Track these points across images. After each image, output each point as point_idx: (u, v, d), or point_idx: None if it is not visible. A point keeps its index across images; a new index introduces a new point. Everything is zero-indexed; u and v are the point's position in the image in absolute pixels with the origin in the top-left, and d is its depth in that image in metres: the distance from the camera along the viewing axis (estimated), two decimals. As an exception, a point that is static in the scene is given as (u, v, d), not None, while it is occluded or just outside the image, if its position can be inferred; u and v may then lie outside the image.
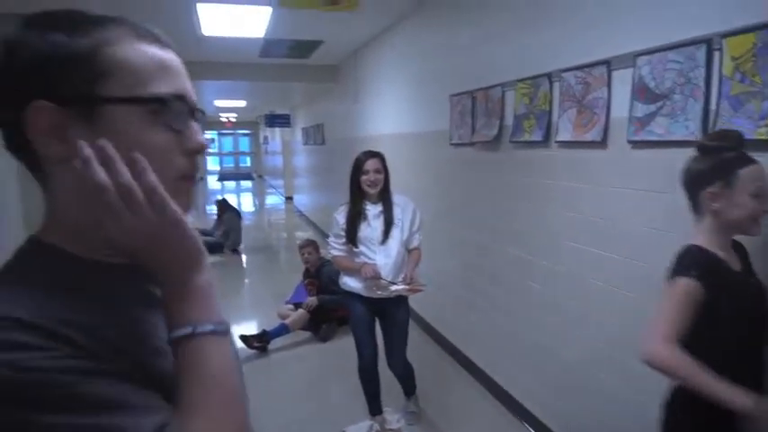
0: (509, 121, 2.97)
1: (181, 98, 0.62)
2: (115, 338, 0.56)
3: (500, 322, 3.23)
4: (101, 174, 0.54)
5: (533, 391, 2.94)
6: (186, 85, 0.64)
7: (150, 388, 0.56)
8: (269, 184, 20.40)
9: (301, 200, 12.52)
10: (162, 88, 0.60)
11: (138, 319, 0.63)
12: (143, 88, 0.59)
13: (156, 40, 0.63)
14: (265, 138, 20.34)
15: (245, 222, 11.14)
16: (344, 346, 4.08)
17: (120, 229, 0.56)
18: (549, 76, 2.57)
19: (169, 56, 0.63)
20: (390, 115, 5.17)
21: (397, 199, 2.83)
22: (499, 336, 3.26)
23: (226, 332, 0.62)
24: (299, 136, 12.07)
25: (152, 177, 0.56)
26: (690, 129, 1.79)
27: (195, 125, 0.64)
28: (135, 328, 0.61)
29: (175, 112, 0.61)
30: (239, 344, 4.06)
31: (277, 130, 15.62)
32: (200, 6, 4.26)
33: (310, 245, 4.72)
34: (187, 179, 0.64)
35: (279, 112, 13.37)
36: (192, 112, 0.64)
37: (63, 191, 0.60)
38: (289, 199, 14.59)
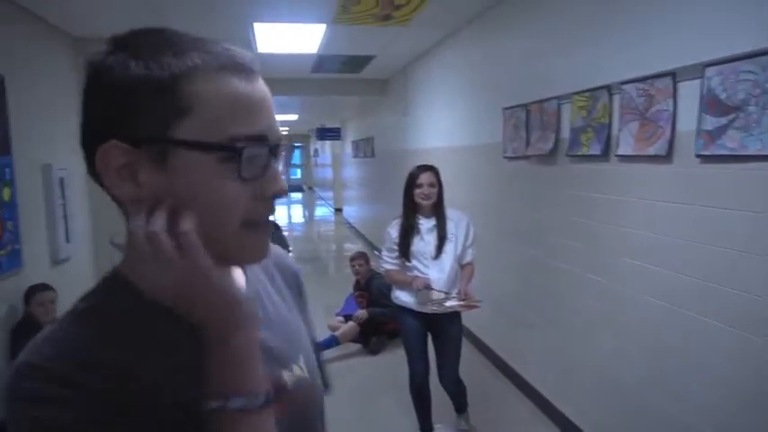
0: (565, 134, 2.90)
1: (261, 139, 0.56)
2: (162, 383, 0.55)
3: (553, 339, 3.13)
4: (137, 219, 0.53)
5: (587, 410, 2.82)
6: (269, 121, 0.58)
7: None
8: (318, 196, 20.73)
9: (350, 211, 12.64)
10: (241, 129, 0.54)
11: (189, 363, 0.57)
12: (219, 131, 0.53)
13: (241, 70, 0.56)
14: (315, 150, 20.73)
15: (295, 233, 11.36)
16: (394, 360, 4.06)
17: (147, 275, 0.55)
18: (608, 88, 2.49)
19: (252, 88, 0.56)
20: (441, 128, 5.16)
21: (451, 213, 2.81)
22: (552, 353, 3.16)
23: (260, 406, 0.55)
24: (348, 149, 12.22)
25: (186, 226, 0.52)
26: (766, 142, 1.69)
27: (275, 167, 0.58)
28: (188, 374, 0.57)
29: (249, 159, 0.54)
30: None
31: (327, 143, 15.89)
32: (256, 25, 4.41)
33: (361, 257, 4.74)
34: (257, 225, 0.58)
35: (329, 125, 13.60)
36: (275, 149, 0.58)
37: None
38: (338, 210, 14.77)
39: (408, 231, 2.74)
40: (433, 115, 5.41)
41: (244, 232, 0.57)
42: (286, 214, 16.19)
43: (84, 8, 3.82)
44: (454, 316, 2.81)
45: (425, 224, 2.75)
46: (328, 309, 5.26)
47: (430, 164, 2.83)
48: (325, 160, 18.35)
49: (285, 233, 8.78)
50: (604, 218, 2.60)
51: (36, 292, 3.34)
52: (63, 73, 4.33)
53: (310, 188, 24.30)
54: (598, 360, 2.70)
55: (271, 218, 0.60)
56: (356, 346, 4.41)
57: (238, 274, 0.69)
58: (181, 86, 0.52)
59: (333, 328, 4.44)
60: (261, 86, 0.58)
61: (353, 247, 9.24)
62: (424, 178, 2.73)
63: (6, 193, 3.23)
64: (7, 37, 3.44)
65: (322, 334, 4.42)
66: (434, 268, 2.72)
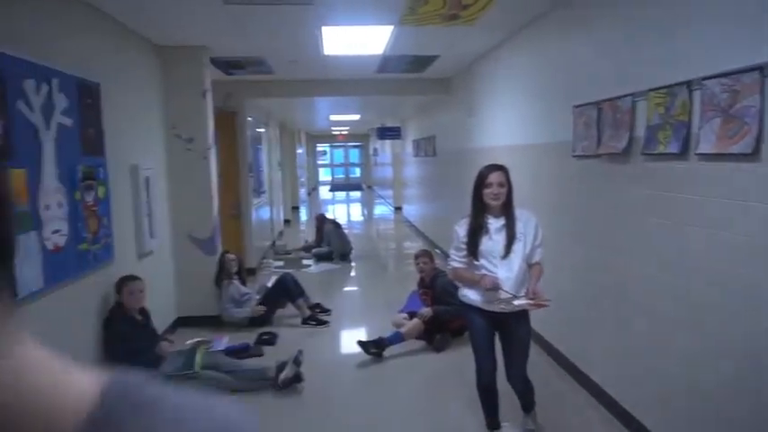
0: (640, 132, 2.83)
1: None
2: None
3: (625, 343, 3.06)
4: None
5: (660, 415, 2.74)
6: None
7: None
8: (377, 195, 20.93)
9: (410, 210, 12.70)
10: None
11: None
12: None
13: None
14: (375, 150, 20.94)
15: (355, 231, 11.55)
16: (459, 358, 4.09)
17: None
18: (688, 84, 2.42)
19: None
20: (506, 127, 5.12)
21: (519, 213, 2.80)
22: (624, 356, 3.09)
23: None
24: (409, 148, 12.29)
25: None
26: None
27: None
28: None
29: None
30: (357, 349, 4.23)
31: (387, 142, 16.02)
32: (324, 29, 4.54)
33: (426, 255, 4.78)
34: None
35: (389, 125, 13.71)
36: None
37: None
38: (398, 209, 14.87)
39: (477, 231, 2.75)
40: (498, 113, 5.37)
41: None
42: (345, 213, 16.48)
43: (168, 18, 4.08)
44: (521, 316, 2.81)
45: (494, 224, 2.75)
46: (388, 305, 5.36)
47: (500, 163, 2.83)
48: (384, 159, 18.51)
49: (345, 231, 8.96)
50: (682, 218, 2.52)
51: (127, 281, 3.61)
52: (148, 79, 4.64)
53: (369, 187, 24.58)
54: (674, 364, 2.62)
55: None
56: (420, 343, 4.46)
57: None
58: None
59: (397, 325, 4.52)
60: None
61: (413, 245, 9.29)
62: (494, 178, 2.72)
63: (101, 191, 3.51)
64: (103, 47, 3.73)
65: (381, 329, 4.52)
66: (503, 268, 2.72)
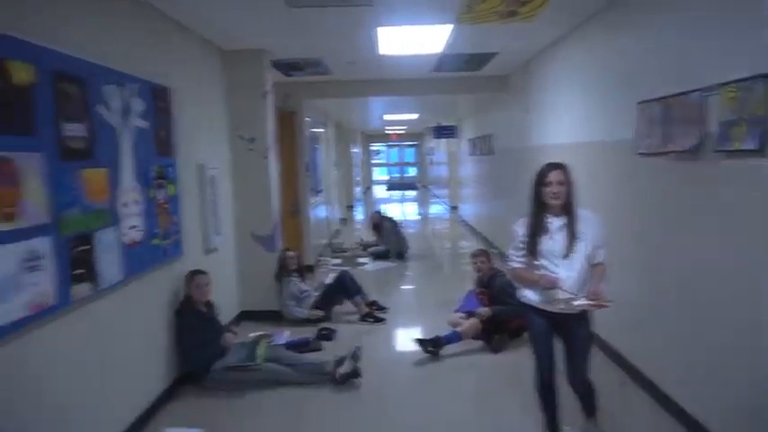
0: (712, 128, 2.70)
1: None
2: None
3: (692, 347, 2.93)
4: None
5: (728, 422, 2.61)
6: None
7: None
8: (433, 194, 20.87)
9: (466, 209, 12.60)
10: None
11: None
12: None
13: None
14: (430, 149, 20.90)
15: (410, 230, 11.57)
16: (517, 360, 4.04)
17: None
18: (765, 77, 2.29)
19: None
20: (564, 124, 5.00)
21: (580, 212, 2.74)
22: (691, 361, 2.96)
23: None
24: (464, 146, 12.20)
25: None
26: None
27: None
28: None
29: None
30: (414, 347, 4.26)
31: (442, 140, 15.96)
32: (379, 30, 4.59)
33: (483, 254, 4.75)
34: None
35: (445, 123, 13.66)
36: None
37: None
38: (453, 208, 14.78)
39: (537, 230, 2.71)
40: (556, 111, 5.25)
41: None
42: (401, 212, 16.53)
43: (233, 23, 4.25)
44: (582, 317, 2.74)
45: (555, 223, 2.70)
46: (443, 304, 5.34)
47: (559, 161, 2.78)
48: (439, 158, 18.46)
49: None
50: (760, 218, 2.39)
51: (195, 275, 3.81)
52: (213, 82, 4.85)
53: (424, 186, 24.56)
54: (746, 370, 2.49)
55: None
56: (477, 343, 4.43)
57: None
58: None
59: (453, 324, 4.50)
60: None
61: (469, 244, 9.22)
62: (553, 176, 2.66)
63: (171, 189, 3.71)
64: (173, 53, 3.94)
65: (436, 328, 4.54)
66: (564, 268, 2.67)
